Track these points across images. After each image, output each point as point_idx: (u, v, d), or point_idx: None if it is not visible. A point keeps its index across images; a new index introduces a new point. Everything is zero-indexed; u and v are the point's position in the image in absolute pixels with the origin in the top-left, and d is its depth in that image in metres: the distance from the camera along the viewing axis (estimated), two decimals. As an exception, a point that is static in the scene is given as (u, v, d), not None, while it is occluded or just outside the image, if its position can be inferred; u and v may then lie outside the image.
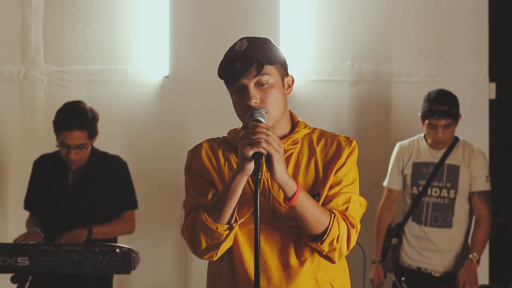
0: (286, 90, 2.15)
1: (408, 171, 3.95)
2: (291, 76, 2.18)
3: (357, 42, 4.62)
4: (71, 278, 3.49)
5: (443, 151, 3.90)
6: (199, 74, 4.61)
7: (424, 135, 3.97)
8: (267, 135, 1.94)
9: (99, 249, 3.26)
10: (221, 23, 4.61)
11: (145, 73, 4.65)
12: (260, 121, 2.02)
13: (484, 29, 4.56)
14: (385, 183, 4.06)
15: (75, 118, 3.57)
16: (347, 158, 2.14)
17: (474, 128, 4.52)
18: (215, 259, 2.11)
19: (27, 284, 3.46)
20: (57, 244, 3.33)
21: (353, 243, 2.10)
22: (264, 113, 2.04)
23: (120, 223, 3.74)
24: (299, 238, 2.11)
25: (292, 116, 2.22)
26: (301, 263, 2.11)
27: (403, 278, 3.84)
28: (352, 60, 4.62)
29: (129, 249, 3.28)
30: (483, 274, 4.46)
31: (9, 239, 3.95)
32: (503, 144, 5.54)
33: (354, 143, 2.16)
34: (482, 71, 4.56)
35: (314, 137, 2.19)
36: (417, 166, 3.94)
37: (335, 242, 2.04)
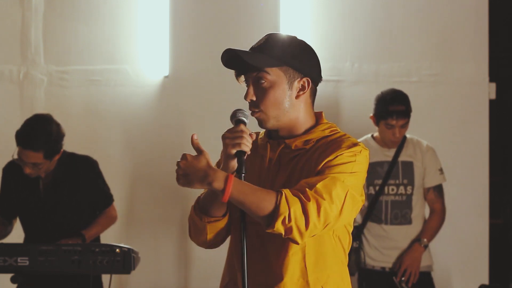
0: (298, 92, 2.13)
1: None
2: (307, 79, 2.15)
3: (357, 42, 4.62)
4: (71, 278, 3.49)
5: (393, 149, 3.92)
6: (199, 74, 4.61)
7: (372, 135, 3.98)
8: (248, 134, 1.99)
9: (99, 249, 3.26)
10: (221, 23, 4.61)
11: (145, 73, 4.65)
12: (243, 121, 2.03)
13: (484, 29, 4.56)
14: None
15: (31, 138, 3.44)
16: (345, 151, 2.03)
17: (474, 128, 4.52)
18: (205, 247, 2.18)
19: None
20: (57, 244, 3.33)
21: (313, 217, 1.91)
22: (246, 113, 2.05)
23: (104, 219, 3.70)
24: None
25: (318, 119, 2.19)
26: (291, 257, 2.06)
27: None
28: (352, 60, 4.62)
29: (129, 249, 3.28)
30: (483, 274, 4.46)
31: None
32: (503, 144, 5.54)
33: (360, 147, 2.06)
34: (482, 71, 4.55)
35: (329, 140, 2.10)
36: (372, 166, 3.91)
37: (287, 221, 1.90)
